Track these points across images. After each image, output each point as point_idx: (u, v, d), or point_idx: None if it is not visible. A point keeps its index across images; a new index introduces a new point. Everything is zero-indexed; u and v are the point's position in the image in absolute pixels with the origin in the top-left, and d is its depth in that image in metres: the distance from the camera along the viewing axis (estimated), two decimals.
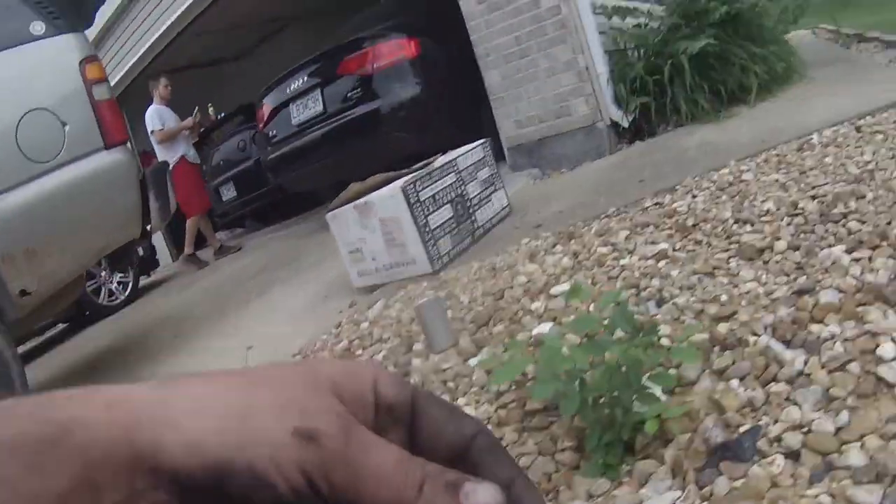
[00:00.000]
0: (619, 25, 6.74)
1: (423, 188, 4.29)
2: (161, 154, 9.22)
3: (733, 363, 2.05)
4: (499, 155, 6.54)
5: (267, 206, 11.57)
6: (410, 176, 4.39)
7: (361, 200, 4.41)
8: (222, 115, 12.23)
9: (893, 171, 3.42)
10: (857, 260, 2.58)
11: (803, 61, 7.92)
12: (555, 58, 6.14)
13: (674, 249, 3.22)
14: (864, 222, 2.87)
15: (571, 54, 6.07)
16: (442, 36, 7.04)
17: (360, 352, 3.45)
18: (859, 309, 2.11)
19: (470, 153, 4.80)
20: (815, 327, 2.09)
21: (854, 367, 1.83)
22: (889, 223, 2.79)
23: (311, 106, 7.32)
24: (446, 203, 4.44)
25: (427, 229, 4.24)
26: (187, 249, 9.71)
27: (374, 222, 4.31)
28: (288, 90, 7.55)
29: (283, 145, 7.67)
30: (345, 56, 7.06)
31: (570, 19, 6.06)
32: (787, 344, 2.07)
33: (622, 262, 3.24)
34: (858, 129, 4.53)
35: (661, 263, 3.09)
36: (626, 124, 6.22)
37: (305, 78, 7.39)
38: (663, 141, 5.81)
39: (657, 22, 6.75)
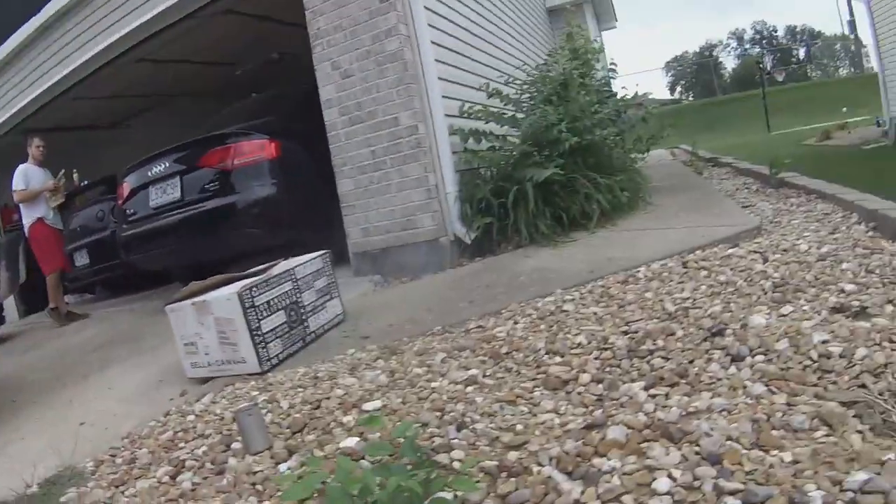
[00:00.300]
0: (474, 147, 7.09)
1: (260, 294, 4.53)
2: (23, 213, 9.20)
3: (516, 489, 2.27)
4: (345, 257, 6.82)
5: (119, 278, 11.48)
6: (249, 281, 4.60)
7: (200, 298, 4.61)
8: (86, 182, 12.13)
9: (708, 309, 3.77)
10: (653, 396, 2.86)
11: (652, 187, 8.40)
12: (407, 174, 6.50)
13: (484, 375, 3.46)
14: (668, 359, 3.18)
15: (423, 172, 6.45)
16: (303, 141, 7.34)
17: (182, 444, 3.53)
18: (644, 445, 2.37)
19: (309, 263, 5.06)
20: (597, 461, 2.33)
21: (628, 499, 2.09)
22: (691, 362, 3.11)
23: (170, 191, 7.47)
24: (280, 309, 4.68)
25: (259, 332, 4.46)
26: (52, 303, 9.57)
27: (210, 320, 4.51)
28: (150, 173, 7.67)
29: (138, 225, 7.76)
30: (208, 148, 7.27)
31: (426, 139, 6.47)
32: (569, 475, 2.30)
33: (433, 384, 3.44)
34: (685, 265, 4.91)
35: (469, 389, 3.31)
36: (468, 242, 6.54)
37: (168, 164, 7.53)
38: (501, 262, 6.10)
39: (510, 147, 7.11)
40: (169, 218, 7.41)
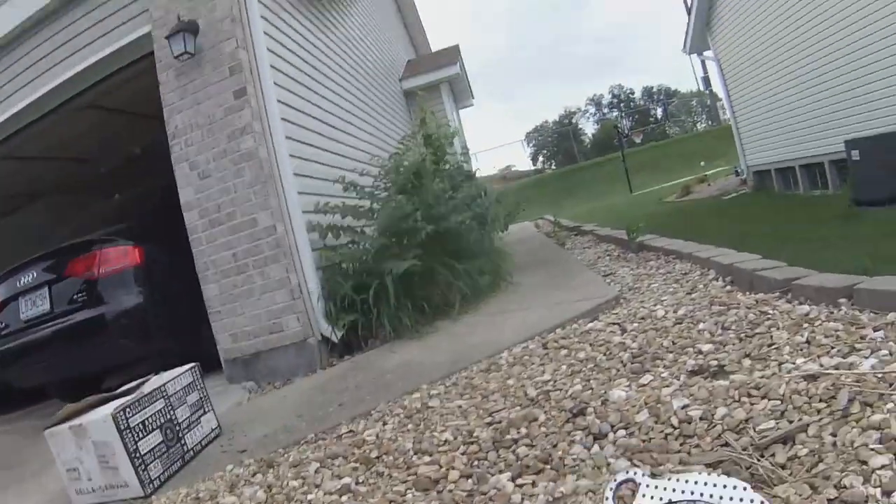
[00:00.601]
0: (333, 243, 7.15)
1: (134, 414, 4.45)
2: None
3: None
4: (220, 363, 6.73)
5: None
6: (122, 402, 4.51)
7: (77, 422, 4.50)
8: None
9: (569, 390, 3.88)
10: (520, 486, 2.94)
11: (514, 265, 8.52)
12: (269, 276, 6.48)
13: (357, 483, 3.50)
14: (532, 446, 3.26)
15: (285, 273, 6.44)
16: (169, 244, 7.24)
17: None
18: None
19: (179, 378, 4.97)
20: None
21: None
22: (555, 445, 3.19)
23: (39, 303, 7.25)
24: (156, 428, 4.58)
25: (137, 454, 4.37)
26: None
27: (89, 444, 4.41)
28: (18, 283, 7.44)
29: (10, 340, 7.45)
30: (73, 256, 7.11)
31: (285, 239, 6.47)
32: None
33: (310, 496, 3.45)
34: (545, 346, 5.03)
35: (344, 498, 3.34)
36: (336, 340, 6.55)
37: (36, 273, 7.32)
38: (368, 359, 6.11)
39: (369, 240, 7.19)
40: (40, 332, 7.15)
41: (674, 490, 2.51)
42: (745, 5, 16.37)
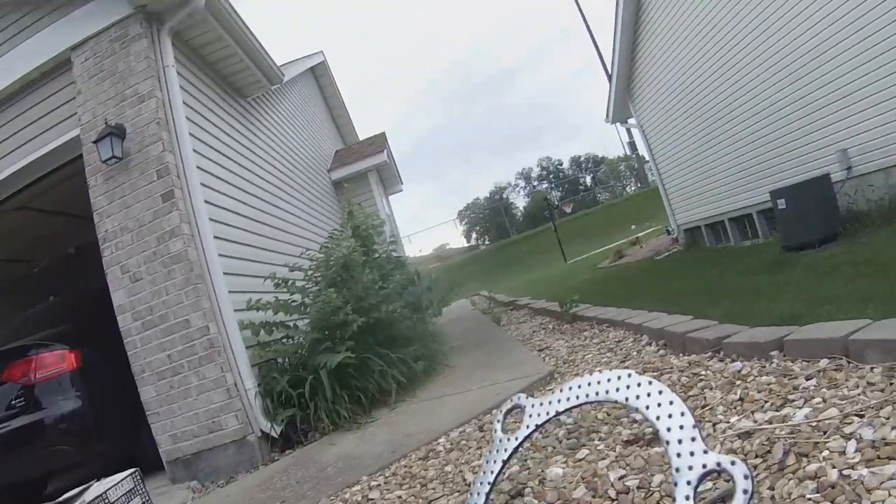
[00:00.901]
0: (266, 339, 7.21)
1: None
2: None
3: None
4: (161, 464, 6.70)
5: None
6: None
7: None
8: None
9: (506, 472, 3.91)
10: None
11: (450, 347, 8.59)
12: (205, 375, 6.52)
13: None
14: None
15: (220, 372, 6.49)
16: (105, 346, 7.21)
17: None
18: None
19: (121, 484, 4.97)
20: None
21: None
22: None
23: None
24: None
25: None
26: None
27: None
28: None
29: None
30: (9, 362, 7.02)
31: (219, 339, 6.54)
32: None
33: None
34: (482, 428, 5.11)
35: None
36: (276, 435, 6.57)
37: None
38: (309, 453, 6.11)
39: (302, 335, 7.26)
40: None
41: (559, 401, 2.57)
42: (663, 73, 16.98)
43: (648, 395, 2.35)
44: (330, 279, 7.53)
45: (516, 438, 2.69)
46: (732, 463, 2.04)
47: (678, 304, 7.63)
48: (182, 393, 6.57)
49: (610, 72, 20.23)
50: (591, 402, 2.55)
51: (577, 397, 2.55)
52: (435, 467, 4.56)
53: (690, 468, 2.07)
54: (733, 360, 4.78)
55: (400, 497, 4.18)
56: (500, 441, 2.71)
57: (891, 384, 3.33)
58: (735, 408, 3.75)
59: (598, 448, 3.80)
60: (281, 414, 6.57)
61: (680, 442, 2.15)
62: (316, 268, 7.90)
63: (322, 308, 7.05)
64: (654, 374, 5.06)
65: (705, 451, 2.09)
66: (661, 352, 5.95)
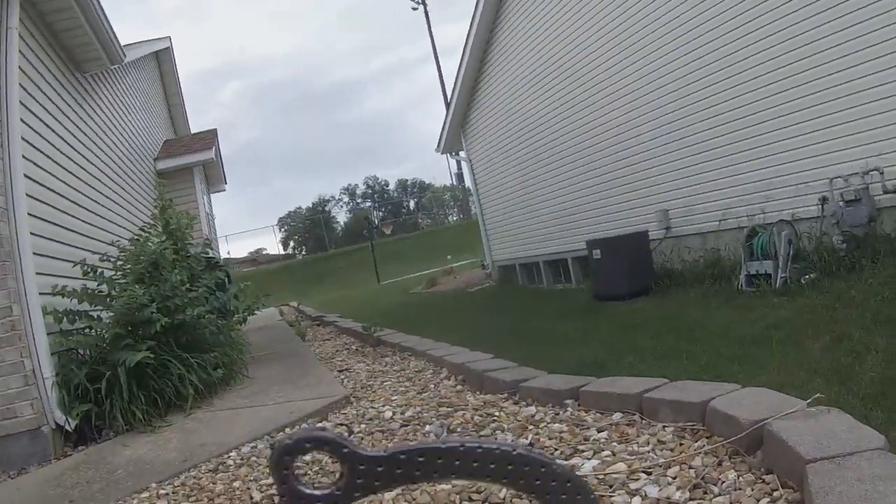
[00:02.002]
0: (69, 328, 7.08)
1: None
2: None
3: None
4: None
5: None
6: None
7: None
8: None
9: None
10: None
11: (252, 358, 8.58)
12: (3, 358, 6.29)
13: None
14: None
15: (19, 357, 6.30)
16: None
17: None
18: None
19: None
20: None
21: None
22: None
23: None
24: None
25: None
26: None
27: None
28: None
29: None
30: None
31: (21, 321, 6.35)
32: None
33: None
34: (272, 446, 5.10)
35: None
36: (70, 429, 6.43)
37: None
38: (101, 453, 6.00)
39: (105, 328, 7.15)
40: None
41: None
42: (498, 113, 17.58)
43: None
44: (138, 274, 7.49)
45: None
46: None
47: (483, 340, 7.88)
48: None
49: (449, 102, 20.59)
50: None
51: None
52: (224, 482, 4.58)
53: None
54: (528, 404, 5.02)
55: None
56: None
57: (680, 444, 3.57)
58: None
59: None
60: (77, 408, 6.44)
61: None
62: (125, 260, 7.80)
63: (127, 303, 6.97)
64: (450, 409, 5.23)
65: None
66: (459, 387, 6.15)
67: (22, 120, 6.94)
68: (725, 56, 9.94)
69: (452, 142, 20.94)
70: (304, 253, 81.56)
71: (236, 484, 4.47)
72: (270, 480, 4.32)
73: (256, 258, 62.33)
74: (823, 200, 8.65)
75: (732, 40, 9.75)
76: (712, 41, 10.10)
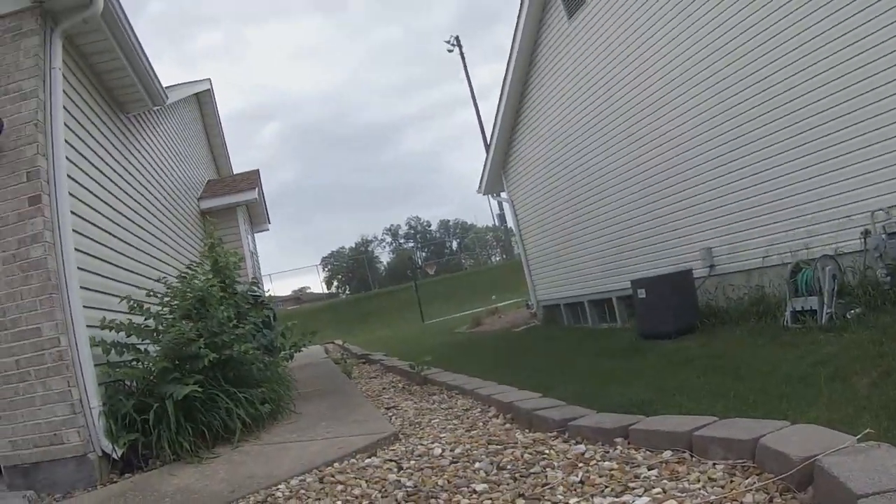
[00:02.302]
0: (116, 360, 7.18)
1: None
2: None
3: None
4: None
5: None
6: None
7: None
8: None
9: None
10: None
11: (298, 394, 8.59)
12: (51, 387, 6.43)
13: None
14: None
15: (66, 386, 6.43)
16: None
17: None
18: None
19: None
20: None
21: None
22: None
23: None
24: None
25: None
26: None
27: None
28: None
29: None
30: None
31: (69, 352, 6.49)
32: None
33: None
34: (322, 480, 5.18)
35: None
36: (116, 457, 6.51)
37: None
38: (148, 481, 6.05)
39: (152, 361, 7.24)
40: None
41: None
42: (540, 154, 17.57)
43: None
44: (185, 310, 7.57)
45: None
46: None
47: (530, 379, 7.86)
48: (27, 400, 6.47)
49: (488, 143, 20.66)
50: None
51: None
52: None
53: None
54: (578, 443, 4.99)
55: None
56: None
57: (731, 481, 3.53)
58: (575, 490, 3.91)
59: None
60: (124, 437, 6.52)
61: None
62: (172, 296, 7.90)
63: (175, 339, 7.06)
64: (499, 446, 5.20)
65: None
66: (508, 425, 6.12)
67: (67, 158, 7.09)
68: (764, 91, 9.92)
69: (493, 183, 21.02)
70: (347, 292, 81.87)
71: None
72: None
73: (300, 297, 62.64)
74: (866, 234, 8.58)
75: (771, 74, 9.75)
76: (751, 76, 10.07)
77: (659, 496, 3.50)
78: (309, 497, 4.79)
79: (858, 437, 3.31)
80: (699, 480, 3.65)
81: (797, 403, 5.01)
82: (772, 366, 6.66)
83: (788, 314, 8.85)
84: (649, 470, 3.98)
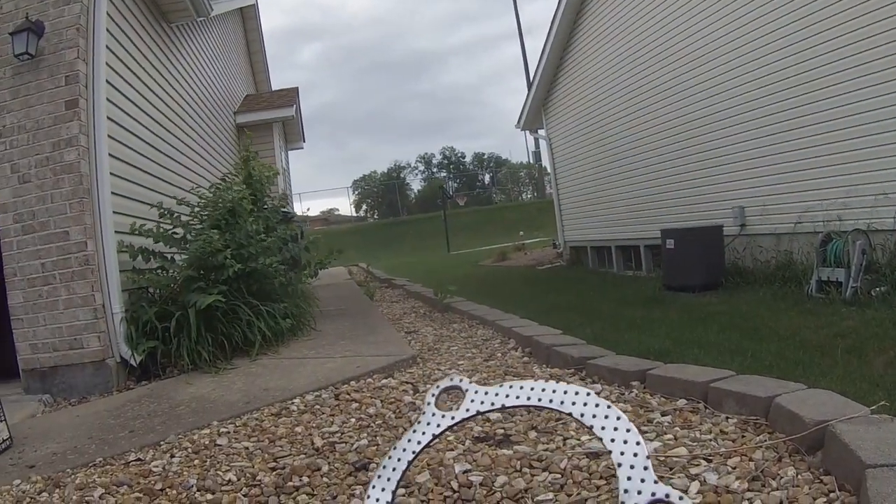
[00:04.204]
0: (142, 266, 7.23)
1: None
2: None
3: None
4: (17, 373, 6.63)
5: None
6: None
7: None
8: None
9: (354, 444, 4.05)
10: None
11: (319, 312, 8.64)
12: (75, 291, 6.51)
13: None
14: (313, 495, 3.37)
15: (90, 291, 6.50)
16: None
17: None
18: None
19: None
20: None
21: None
22: (335, 497, 3.33)
23: None
24: None
25: None
26: None
27: None
28: None
29: None
30: None
31: (95, 257, 6.55)
32: None
33: None
34: (338, 397, 5.20)
35: None
36: (135, 364, 6.60)
37: None
38: (164, 388, 6.12)
39: (177, 270, 7.30)
40: None
41: (507, 395, 2.62)
42: (582, 94, 17.30)
43: (606, 417, 2.44)
44: (215, 220, 7.54)
45: (452, 417, 2.66)
46: (680, 498, 2.17)
47: (551, 317, 7.83)
48: (50, 304, 6.54)
49: (532, 80, 20.42)
50: (541, 407, 2.58)
51: (529, 398, 2.55)
52: (286, 426, 4.59)
53: (640, 493, 2.19)
54: (594, 382, 4.97)
55: (247, 448, 4.20)
56: (434, 415, 2.71)
57: (742, 436, 3.50)
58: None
59: (448, 439, 3.87)
60: (143, 344, 6.59)
61: (632, 467, 2.26)
62: (203, 206, 7.89)
63: (202, 247, 7.07)
64: (515, 378, 5.19)
65: (656, 482, 2.21)
66: (526, 359, 6.10)
67: (107, 64, 7.08)
68: (809, 59, 9.64)
69: (533, 119, 20.78)
70: (375, 217, 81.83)
71: (298, 429, 4.48)
72: (333, 428, 4.40)
73: (328, 218, 62.58)
74: None
75: (820, 32, 9.46)
76: (799, 41, 9.79)
77: (670, 442, 3.47)
78: (324, 412, 4.83)
79: (873, 408, 3.27)
80: (711, 432, 3.62)
81: (812, 372, 4.94)
82: (791, 332, 6.58)
83: (814, 283, 8.73)
84: (663, 416, 3.96)
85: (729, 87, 11.40)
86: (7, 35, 6.67)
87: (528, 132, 22.88)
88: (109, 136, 6.96)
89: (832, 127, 9.39)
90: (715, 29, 11.61)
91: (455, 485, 3.22)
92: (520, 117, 20.96)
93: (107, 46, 7.05)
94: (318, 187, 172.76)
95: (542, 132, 20.83)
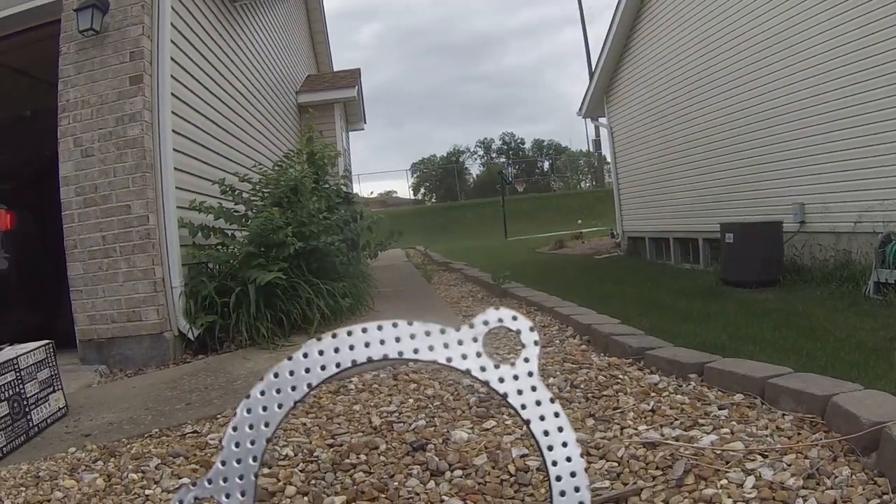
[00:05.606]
0: (202, 242, 7.26)
1: None
2: None
3: None
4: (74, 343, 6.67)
5: None
6: None
7: None
8: None
9: (412, 424, 4.00)
10: None
11: (378, 293, 8.62)
12: (135, 264, 6.55)
13: (192, 485, 3.50)
14: (370, 473, 3.33)
15: (151, 264, 6.53)
16: (42, 214, 7.13)
17: None
18: None
19: (33, 353, 4.85)
20: None
21: None
22: (392, 476, 3.28)
23: None
24: (3, 400, 4.44)
25: None
26: None
27: None
28: None
29: None
30: None
31: (156, 231, 6.58)
32: None
33: (147, 491, 3.39)
34: (396, 377, 5.13)
35: None
36: (192, 338, 6.63)
37: None
38: (222, 363, 6.14)
39: (238, 246, 7.30)
40: None
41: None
42: (645, 84, 17.08)
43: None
44: (276, 198, 7.55)
45: None
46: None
47: (608, 306, 7.73)
48: (109, 276, 6.58)
49: (594, 68, 20.26)
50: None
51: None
52: (344, 403, 4.57)
53: None
54: (652, 372, 4.87)
55: (304, 424, 4.18)
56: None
57: (798, 434, 3.41)
58: (645, 418, 3.81)
59: (506, 422, 3.84)
60: (202, 318, 6.62)
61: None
62: (265, 184, 7.90)
63: (263, 224, 7.09)
64: (574, 366, 5.13)
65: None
66: (584, 347, 6.02)
67: (172, 41, 7.09)
68: (870, 56, 9.39)
69: (594, 107, 20.55)
70: (434, 200, 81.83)
71: (356, 407, 4.45)
72: (392, 408, 4.35)
73: (386, 200, 62.70)
74: None
75: (884, 39, 9.14)
76: (865, 37, 9.50)
77: (727, 436, 3.40)
78: (381, 391, 4.80)
79: None
80: (767, 427, 3.54)
81: (867, 374, 4.81)
82: (847, 333, 6.43)
83: (872, 284, 8.53)
84: (720, 409, 3.88)
85: (792, 81, 11.18)
86: (72, 12, 6.70)
87: (588, 120, 22.71)
88: (173, 112, 6.99)
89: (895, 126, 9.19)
90: (780, 22, 11.38)
91: (512, 468, 3.18)
92: (581, 105, 20.79)
93: (171, 24, 7.05)
94: (375, 169, 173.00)
95: (602, 120, 20.64)
